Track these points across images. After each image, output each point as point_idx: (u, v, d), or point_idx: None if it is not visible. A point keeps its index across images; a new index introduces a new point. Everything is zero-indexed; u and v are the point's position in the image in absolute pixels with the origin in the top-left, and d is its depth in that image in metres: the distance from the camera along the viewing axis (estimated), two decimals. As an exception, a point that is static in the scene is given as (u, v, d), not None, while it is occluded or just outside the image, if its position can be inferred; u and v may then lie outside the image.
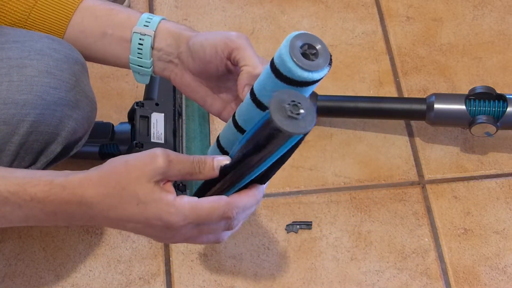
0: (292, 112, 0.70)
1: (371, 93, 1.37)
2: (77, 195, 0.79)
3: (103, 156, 1.23)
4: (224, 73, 0.89)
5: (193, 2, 1.47)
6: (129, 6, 1.45)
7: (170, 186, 0.80)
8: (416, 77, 1.39)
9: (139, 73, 0.93)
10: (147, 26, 0.90)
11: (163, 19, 0.91)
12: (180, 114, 1.26)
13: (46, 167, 0.95)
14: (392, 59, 1.41)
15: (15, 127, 0.88)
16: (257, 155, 0.76)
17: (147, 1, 1.48)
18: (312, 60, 0.75)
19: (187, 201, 0.79)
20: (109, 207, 0.80)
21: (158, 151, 0.79)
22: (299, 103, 0.71)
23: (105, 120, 1.25)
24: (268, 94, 0.79)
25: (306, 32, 0.76)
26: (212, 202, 0.79)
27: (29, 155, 0.91)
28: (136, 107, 1.20)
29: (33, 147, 0.91)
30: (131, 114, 1.20)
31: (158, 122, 1.20)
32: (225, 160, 0.81)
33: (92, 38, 0.94)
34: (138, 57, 0.92)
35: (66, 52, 0.92)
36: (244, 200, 0.81)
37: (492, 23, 1.46)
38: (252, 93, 0.81)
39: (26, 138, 0.89)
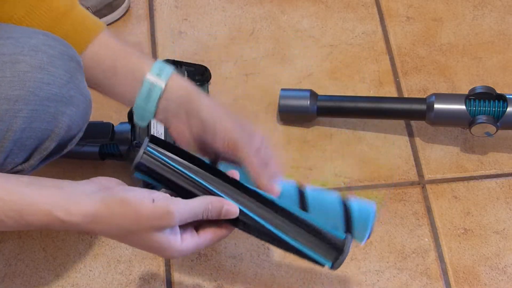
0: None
1: (371, 93, 1.37)
2: (77, 228, 0.82)
3: (103, 156, 1.23)
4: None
5: (193, 2, 1.47)
6: (129, 7, 1.45)
7: (176, 233, 0.85)
8: (416, 77, 1.39)
9: (140, 116, 0.98)
10: (159, 75, 0.94)
11: (174, 72, 0.95)
12: (180, 114, 1.26)
13: (40, 163, 0.94)
14: (392, 59, 1.41)
15: (8, 123, 0.87)
16: (284, 247, 0.89)
17: (147, 1, 1.48)
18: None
19: (192, 242, 0.85)
20: (110, 237, 0.85)
21: (172, 208, 0.83)
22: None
23: (105, 120, 1.25)
24: (321, 217, 0.93)
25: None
26: (212, 240, 0.87)
27: (22, 152, 0.90)
28: (136, 107, 1.20)
29: (26, 144, 0.90)
30: (131, 114, 1.20)
31: (158, 122, 1.20)
32: (232, 208, 0.86)
33: (103, 73, 0.97)
34: (144, 103, 0.95)
35: (61, 49, 0.91)
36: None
37: (492, 23, 1.46)
38: (303, 203, 0.95)
39: (19, 134, 0.88)
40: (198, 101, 0.94)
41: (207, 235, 0.86)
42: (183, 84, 0.95)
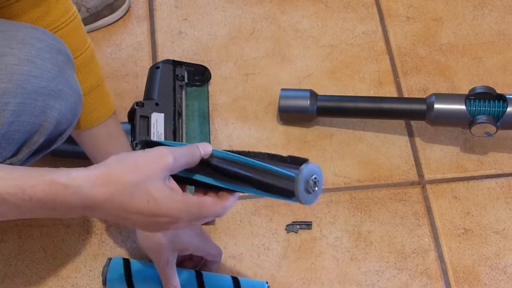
0: (311, 188, 0.82)
1: (371, 93, 1.37)
2: (81, 194, 0.79)
3: (103, 156, 1.23)
4: None
5: (193, 2, 1.48)
6: (129, 7, 1.45)
7: (173, 182, 0.83)
8: (416, 77, 1.39)
9: None
10: None
11: None
12: (180, 114, 1.26)
13: (28, 159, 0.94)
14: (392, 59, 1.41)
15: None
16: (254, 179, 0.84)
17: (147, 1, 1.48)
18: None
19: (194, 199, 0.83)
20: (115, 205, 0.81)
21: (164, 150, 0.82)
22: (319, 181, 0.83)
23: (105, 120, 1.25)
24: None
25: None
26: (215, 204, 0.84)
27: (10, 146, 0.90)
28: (136, 107, 1.20)
29: (14, 138, 0.89)
30: (131, 114, 1.20)
31: (158, 122, 1.20)
32: (204, 144, 0.86)
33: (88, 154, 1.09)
34: None
35: (49, 42, 0.90)
36: (232, 202, 0.88)
37: (492, 23, 1.46)
38: (200, 282, 1.10)
39: (7, 128, 0.87)
40: None
41: (210, 199, 0.84)
42: None
